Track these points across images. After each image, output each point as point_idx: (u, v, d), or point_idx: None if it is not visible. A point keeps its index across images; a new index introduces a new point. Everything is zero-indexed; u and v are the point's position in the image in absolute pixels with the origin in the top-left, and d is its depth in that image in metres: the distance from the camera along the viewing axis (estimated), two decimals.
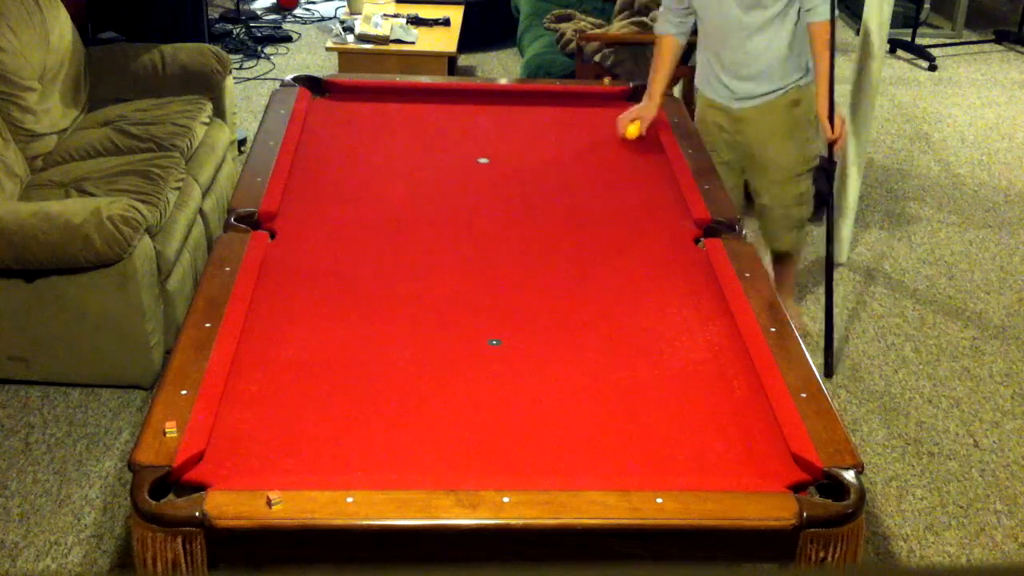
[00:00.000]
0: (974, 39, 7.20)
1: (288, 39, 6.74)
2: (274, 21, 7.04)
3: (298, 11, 7.25)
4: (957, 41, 7.14)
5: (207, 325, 2.48)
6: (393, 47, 5.36)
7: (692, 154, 3.45)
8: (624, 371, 2.46)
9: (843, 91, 6.12)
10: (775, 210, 3.58)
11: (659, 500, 2.03)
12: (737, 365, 2.47)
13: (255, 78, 6.14)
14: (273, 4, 7.30)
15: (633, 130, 3.49)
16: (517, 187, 3.30)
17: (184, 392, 2.26)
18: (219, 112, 4.36)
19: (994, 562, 2.97)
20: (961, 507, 3.12)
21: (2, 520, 2.94)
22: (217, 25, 6.70)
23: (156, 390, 2.30)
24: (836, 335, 3.89)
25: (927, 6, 7.32)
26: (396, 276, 2.80)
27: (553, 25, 5.58)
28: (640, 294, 2.77)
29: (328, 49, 5.50)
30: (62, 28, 4.12)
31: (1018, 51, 7.06)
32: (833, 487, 2.10)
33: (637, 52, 5.05)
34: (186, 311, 2.62)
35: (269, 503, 1.98)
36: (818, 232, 4.60)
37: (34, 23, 3.93)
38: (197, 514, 1.96)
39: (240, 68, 6.24)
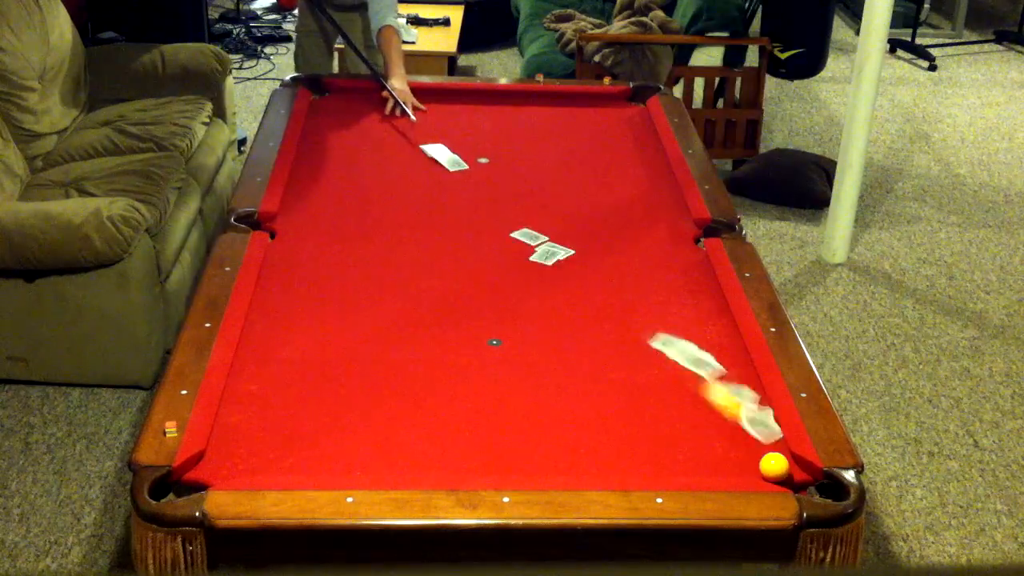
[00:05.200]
0: (974, 39, 7.20)
1: (288, 39, 6.73)
2: (274, 21, 7.04)
3: None
4: (957, 41, 7.13)
5: (207, 325, 2.48)
6: None
7: (692, 154, 3.45)
8: (624, 371, 2.46)
9: (843, 91, 6.14)
10: None
11: (659, 500, 2.03)
12: (737, 365, 2.47)
13: (255, 78, 6.14)
14: (273, 4, 7.30)
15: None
16: (517, 187, 3.30)
17: (184, 392, 2.26)
18: (219, 112, 4.36)
19: (994, 562, 2.97)
20: (961, 507, 3.12)
21: (2, 520, 2.94)
22: (217, 25, 6.70)
23: (156, 390, 2.30)
24: (836, 335, 3.89)
25: (927, 6, 7.31)
26: (396, 275, 2.80)
27: (553, 25, 5.58)
28: (640, 294, 2.77)
29: None
30: (62, 28, 4.12)
31: (1018, 51, 7.06)
32: (833, 487, 2.10)
33: (637, 52, 5.05)
34: (186, 311, 2.62)
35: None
36: (816, 232, 4.60)
37: (34, 23, 3.93)
38: (197, 514, 1.96)
39: (240, 68, 6.23)
